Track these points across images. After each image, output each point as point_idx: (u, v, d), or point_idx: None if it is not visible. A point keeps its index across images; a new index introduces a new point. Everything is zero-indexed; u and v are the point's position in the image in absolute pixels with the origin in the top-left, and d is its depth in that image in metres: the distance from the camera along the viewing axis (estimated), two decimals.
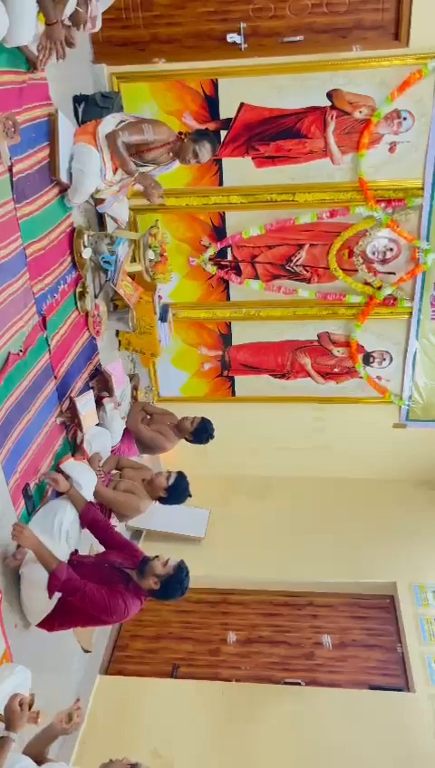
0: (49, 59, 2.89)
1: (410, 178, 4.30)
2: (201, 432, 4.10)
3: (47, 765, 2.16)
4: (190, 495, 3.62)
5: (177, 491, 3.56)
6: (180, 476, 3.57)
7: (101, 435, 3.72)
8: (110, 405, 3.88)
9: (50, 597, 2.78)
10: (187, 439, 4.17)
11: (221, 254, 4.73)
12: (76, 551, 3.11)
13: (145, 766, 2.18)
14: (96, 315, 3.99)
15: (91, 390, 3.84)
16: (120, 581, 2.87)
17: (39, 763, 2.28)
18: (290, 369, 5.17)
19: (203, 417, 4.14)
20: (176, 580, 2.84)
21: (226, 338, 5.10)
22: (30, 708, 2.17)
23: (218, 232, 4.65)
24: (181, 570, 2.86)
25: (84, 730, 3.66)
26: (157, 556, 2.90)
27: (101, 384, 3.97)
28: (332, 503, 5.29)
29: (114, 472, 3.76)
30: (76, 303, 3.72)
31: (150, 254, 4.25)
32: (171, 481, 3.53)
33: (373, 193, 4.34)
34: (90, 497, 3.33)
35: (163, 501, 3.62)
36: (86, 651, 3.88)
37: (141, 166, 3.62)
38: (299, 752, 3.63)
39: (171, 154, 3.66)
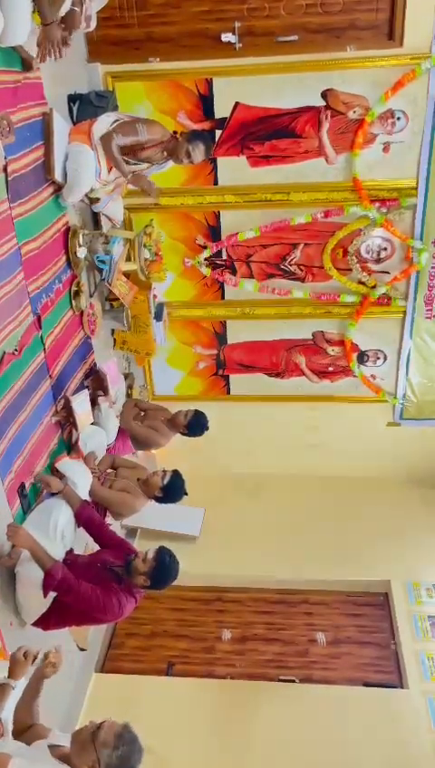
0: (47, 58, 2.90)
1: (404, 178, 4.31)
2: (196, 425, 4.09)
3: (38, 743, 2.16)
4: (186, 494, 3.63)
5: (172, 490, 3.56)
6: (176, 475, 3.58)
7: (97, 434, 3.72)
8: (105, 404, 3.88)
9: (45, 596, 2.78)
10: (181, 433, 4.15)
11: (216, 253, 4.74)
12: (71, 550, 3.12)
13: (110, 721, 2.05)
14: (91, 314, 4.00)
15: (86, 389, 3.85)
16: (113, 580, 2.88)
17: (29, 726, 2.30)
18: (285, 367, 5.18)
19: (197, 410, 4.12)
20: (162, 570, 2.85)
21: (220, 337, 5.11)
22: (33, 661, 2.19)
23: (213, 231, 4.66)
24: (163, 557, 2.86)
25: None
26: (136, 554, 2.90)
27: (96, 383, 3.98)
28: (326, 501, 5.31)
29: (109, 471, 3.77)
30: (71, 303, 3.73)
31: (145, 253, 4.26)
32: (166, 480, 3.54)
33: (367, 192, 4.35)
34: (85, 496, 3.34)
35: (159, 500, 3.62)
36: (81, 649, 3.89)
37: (135, 164, 3.62)
38: (294, 748, 3.65)
39: (165, 153, 3.67)
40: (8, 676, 2.12)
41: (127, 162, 3.56)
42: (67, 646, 3.67)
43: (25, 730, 2.28)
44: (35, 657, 2.22)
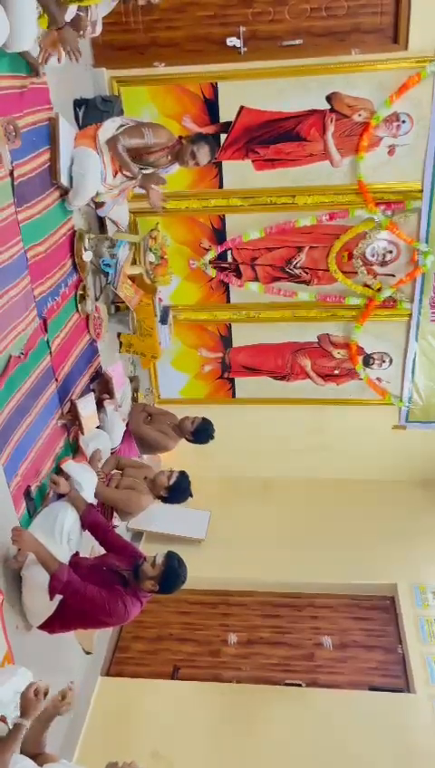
0: (50, 58, 2.92)
1: (409, 181, 4.32)
2: (202, 432, 4.12)
3: (49, 766, 2.17)
4: (191, 495, 3.64)
5: (178, 490, 3.57)
6: (182, 476, 3.60)
7: (99, 437, 3.73)
8: (110, 407, 3.89)
9: (51, 599, 2.79)
10: (187, 439, 4.19)
11: (221, 256, 4.75)
12: (77, 553, 3.13)
13: None
14: (97, 318, 4.01)
15: (92, 393, 3.85)
16: (118, 584, 2.89)
17: (36, 754, 2.29)
18: (290, 370, 5.18)
19: (204, 418, 4.16)
20: (171, 575, 2.85)
21: (226, 340, 5.11)
22: (45, 696, 2.18)
23: (218, 234, 4.67)
24: (172, 561, 2.87)
25: (85, 731, 3.68)
26: (144, 559, 2.91)
27: (101, 386, 3.99)
28: (332, 504, 5.30)
29: (115, 472, 3.77)
30: (77, 306, 3.74)
31: (151, 257, 4.27)
32: (173, 480, 3.56)
33: (373, 195, 4.35)
34: (90, 497, 3.34)
35: (164, 500, 3.64)
36: (87, 653, 3.89)
37: (141, 169, 3.64)
38: (300, 753, 3.64)
39: (170, 157, 3.68)
40: (21, 716, 2.10)
41: (136, 167, 3.57)
42: (73, 649, 3.68)
43: (32, 758, 2.27)
44: (46, 693, 2.20)
